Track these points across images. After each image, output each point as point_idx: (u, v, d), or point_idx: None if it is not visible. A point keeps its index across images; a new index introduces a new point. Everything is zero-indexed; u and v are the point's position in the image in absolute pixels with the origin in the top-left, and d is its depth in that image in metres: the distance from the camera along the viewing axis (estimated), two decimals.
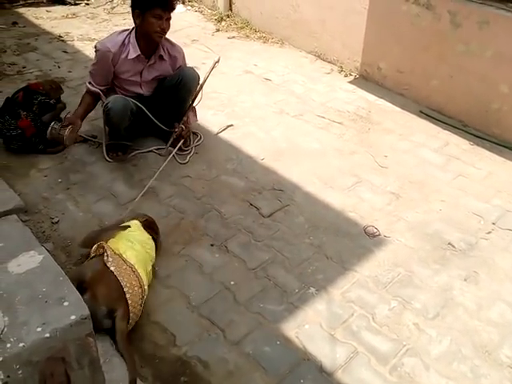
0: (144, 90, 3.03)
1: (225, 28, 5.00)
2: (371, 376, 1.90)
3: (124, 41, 2.83)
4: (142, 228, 2.27)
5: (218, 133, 3.33)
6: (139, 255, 2.07)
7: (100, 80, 2.92)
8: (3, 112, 2.85)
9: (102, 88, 2.93)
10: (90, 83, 2.94)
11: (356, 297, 2.22)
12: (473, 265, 2.43)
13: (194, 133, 3.25)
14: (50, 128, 2.81)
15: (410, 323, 2.12)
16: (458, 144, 3.39)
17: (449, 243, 2.55)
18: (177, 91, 2.96)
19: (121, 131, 2.90)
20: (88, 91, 2.95)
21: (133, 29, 2.87)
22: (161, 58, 2.96)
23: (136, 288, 1.94)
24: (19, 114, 2.81)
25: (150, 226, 2.33)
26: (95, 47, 2.89)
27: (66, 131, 2.78)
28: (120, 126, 2.85)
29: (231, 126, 3.41)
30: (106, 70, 2.87)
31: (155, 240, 2.30)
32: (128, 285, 1.91)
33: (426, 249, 2.51)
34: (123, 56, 2.83)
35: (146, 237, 2.23)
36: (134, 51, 2.84)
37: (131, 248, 2.08)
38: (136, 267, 2.00)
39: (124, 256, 2.01)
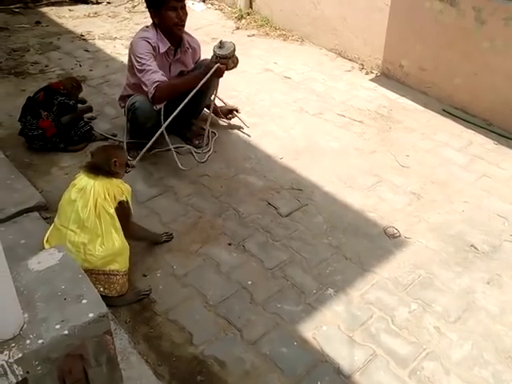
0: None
1: (245, 26, 4.99)
2: (390, 379, 1.87)
3: (155, 36, 2.85)
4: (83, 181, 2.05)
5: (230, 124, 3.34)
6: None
7: (156, 66, 2.78)
8: (25, 112, 2.90)
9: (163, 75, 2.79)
10: (156, 82, 2.73)
11: (375, 299, 2.19)
12: (496, 268, 2.37)
13: (212, 131, 3.25)
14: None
15: (430, 326, 2.08)
16: (481, 143, 3.31)
17: (471, 245, 2.49)
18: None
19: (145, 131, 2.92)
20: (159, 82, 2.74)
21: (153, 26, 2.88)
22: (185, 51, 3.00)
23: None
24: (40, 114, 2.85)
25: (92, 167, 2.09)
26: (131, 45, 2.86)
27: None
28: (145, 126, 2.87)
29: (241, 128, 3.38)
30: (153, 56, 2.80)
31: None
32: None
33: (447, 251, 2.46)
34: (157, 50, 2.85)
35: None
36: (163, 45, 2.86)
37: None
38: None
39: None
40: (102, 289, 1.98)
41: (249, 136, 3.29)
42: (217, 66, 2.74)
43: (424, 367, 1.92)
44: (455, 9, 3.45)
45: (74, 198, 1.99)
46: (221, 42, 2.81)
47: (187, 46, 3.01)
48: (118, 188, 2.07)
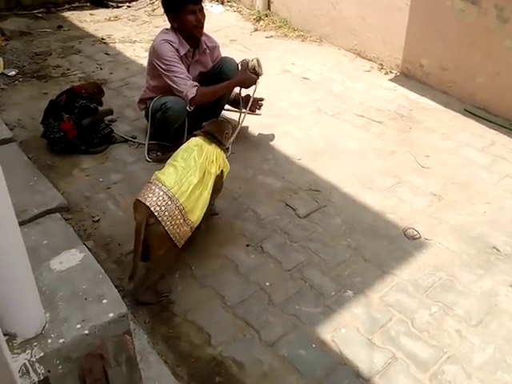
0: None
1: (263, 27, 5.00)
2: (410, 383, 1.85)
3: (176, 39, 2.89)
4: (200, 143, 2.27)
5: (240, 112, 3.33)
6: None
7: (184, 70, 2.86)
8: (47, 114, 2.95)
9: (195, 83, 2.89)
10: (185, 87, 2.81)
11: (395, 301, 2.16)
12: None
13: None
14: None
15: (451, 329, 2.05)
16: (504, 144, 3.24)
17: (493, 247, 2.45)
18: (216, 81, 2.98)
19: (170, 132, 2.96)
20: (195, 91, 2.83)
21: (172, 29, 2.91)
22: (203, 52, 3.04)
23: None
24: (62, 117, 2.90)
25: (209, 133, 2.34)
26: (153, 48, 2.89)
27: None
28: (174, 126, 2.91)
29: (259, 114, 3.43)
30: (178, 58, 2.85)
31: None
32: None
33: (469, 253, 2.42)
34: (178, 53, 2.89)
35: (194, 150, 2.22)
36: (182, 48, 2.90)
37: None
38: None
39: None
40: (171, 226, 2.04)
41: (259, 115, 3.40)
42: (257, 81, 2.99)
43: (445, 371, 1.89)
44: (477, 7, 3.39)
45: (192, 146, 2.24)
46: (257, 59, 3.00)
47: (205, 46, 3.04)
48: (223, 160, 2.34)
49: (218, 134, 2.34)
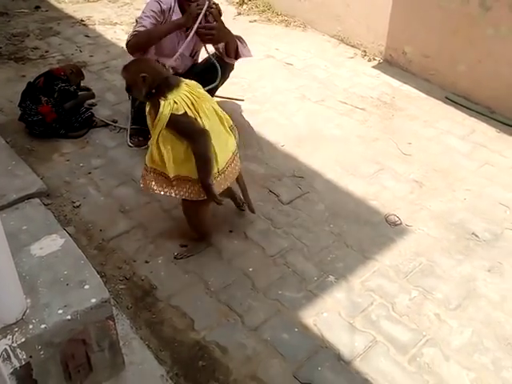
0: (178, 63, 2.99)
1: (246, 11, 4.94)
2: (390, 365, 1.89)
3: (171, 4, 2.82)
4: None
5: (222, 97, 3.34)
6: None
7: (149, 22, 2.76)
8: (25, 97, 2.88)
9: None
10: (135, 32, 2.71)
11: (376, 286, 2.20)
12: (497, 256, 2.37)
13: None
14: None
15: (430, 313, 2.09)
16: (484, 131, 3.29)
17: (473, 233, 2.49)
18: (209, 74, 2.94)
19: None
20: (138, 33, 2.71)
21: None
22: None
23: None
24: (40, 100, 2.84)
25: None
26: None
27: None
28: None
29: (242, 100, 3.43)
30: (156, 15, 2.78)
31: None
32: None
33: (449, 238, 2.46)
34: (169, 19, 2.82)
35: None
36: (176, 17, 2.84)
37: None
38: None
39: None
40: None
41: (242, 100, 3.38)
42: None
43: (424, 353, 1.93)
44: None
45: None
46: None
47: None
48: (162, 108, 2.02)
49: (133, 86, 2.08)
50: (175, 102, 1.98)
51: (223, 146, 2.11)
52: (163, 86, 2.01)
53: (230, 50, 2.90)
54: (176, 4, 2.85)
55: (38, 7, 4.75)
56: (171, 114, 1.97)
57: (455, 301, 2.15)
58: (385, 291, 2.17)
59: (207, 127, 2.02)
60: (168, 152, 2.04)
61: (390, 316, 2.07)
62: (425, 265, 2.31)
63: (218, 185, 2.10)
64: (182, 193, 2.11)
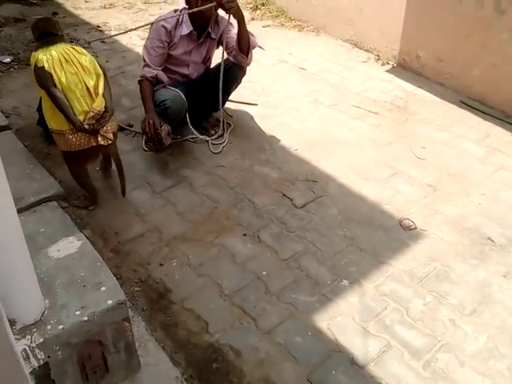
0: (191, 71, 3.04)
1: (260, 16, 4.97)
2: (404, 370, 1.88)
3: (179, 18, 2.86)
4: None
5: (236, 101, 3.38)
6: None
7: (158, 59, 2.88)
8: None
9: (159, 69, 2.89)
10: (146, 66, 2.87)
11: (390, 290, 2.19)
12: None
13: (227, 122, 3.26)
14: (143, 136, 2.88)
15: (445, 319, 2.08)
16: (499, 136, 3.27)
17: (488, 238, 2.47)
18: (222, 78, 2.97)
19: (172, 126, 2.94)
20: (145, 79, 2.87)
21: (184, 8, 2.90)
22: (208, 35, 2.99)
23: None
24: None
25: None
26: (151, 24, 2.91)
27: (163, 134, 2.72)
28: (172, 122, 2.87)
29: (256, 104, 3.45)
30: (163, 46, 2.86)
31: None
32: None
33: (463, 243, 2.45)
34: (178, 33, 2.87)
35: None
36: (186, 28, 2.87)
37: None
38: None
39: None
40: None
41: (256, 105, 3.43)
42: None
43: (438, 359, 1.92)
44: None
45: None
46: None
47: (212, 31, 2.98)
48: None
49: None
50: (44, 55, 2.26)
51: (83, 104, 2.29)
52: (42, 41, 2.35)
53: (243, 39, 2.87)
54: (185, 15, 2.86)
55: (55, 13, 4.83)
56: (34, 65, 2.27)
57: (470, 306, 2.14)
58: (399, 296, 2.17)
59: (62, 82, 2.26)
60: (44, 107, 2.36)
61: (404, 321, 2.06)
62: (439, 270, 2.30)
63: (79, 138, 2.31)
64: (59, 144, 2.38)
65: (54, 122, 2.32)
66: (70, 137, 2.29)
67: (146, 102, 2.87)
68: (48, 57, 2.25)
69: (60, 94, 2.25)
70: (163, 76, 2.90)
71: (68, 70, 2.27)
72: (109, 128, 2.37)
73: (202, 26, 2.92)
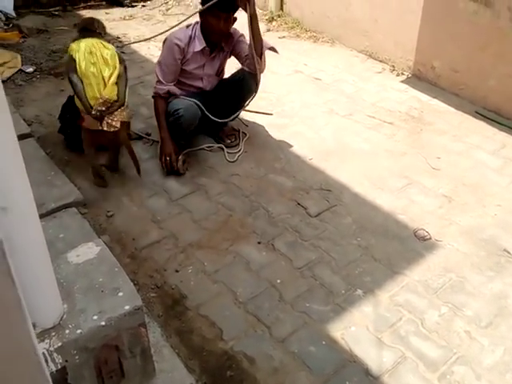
0: (204, 84, 3.09)
1: (275, 28, 5.02)
2: (419, 382, 1.87)
3: (191, 34, 2.90)
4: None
5: (251, 111, 3.42)
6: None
7: (171, 76, 2.93)
8: (65, 110, 3.00)
9: (171, 85, 2.95)
10: (159, 83, 2.94)
11: (404, 301, 2.18)
12: None
13: (243, 131, 3.30)
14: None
15: (460, 330, 2.06)
16: None
17: (504, 249, 2.45)
18: (237, 89, 3.01)
19: (183, 135, 2.99)
20: (158, 96, 2.95)
21: (197, 22, 2.93)
22: (221, 49, 3.03)
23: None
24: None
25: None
26: (164, 41, 2.97)
27: (179, 163, 2.87)
28: (186, 131, 2.94)
29: (271, 114, 3.49)
30: (175, 63, 2.91)
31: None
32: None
33: (479, 254, 2.43)
34: (191, 49, 2.90)
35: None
36: (199, 44, 2.90)
37: None
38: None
39: None
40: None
41: (271, 114, 3.48)
42: None
43: (454, 371, 1.91)
44: (490, 9, 3.40)
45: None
46: None
47: (225, 44, 3.02)
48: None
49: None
50: (75, 45, 2.58)
51: (95, 91, 2.53)
52: (80, 35, 2.69)
53: (257, 35, 2.90)
54: (197, 30, 2.89)
55: (76, 25, 4.94)
56: (69, 53, 2.60)
57: (486, 318, 2.12)
58: (413, 306, 2.16)
59: (82, 69, 2.52)
60: None
61: (419, 332, 2.05)
62: (454, 281, 2.29)
63: (89, 121, 2.54)
64: (79, 120, 2.63)
65: (76, 101, 2.60)
66: (84, 116, 2.56)
67: (159, 121, 2.96)
68: (76, 47, 2.56)
69: (76, 79, 2.53)
70: (176, 90, 2.96)
71: (88, 60, 2.53)
72: (117, 117, 2.55)
73: (214, 44, 2.96)
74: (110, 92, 2.53)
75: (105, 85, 2.52)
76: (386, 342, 2.01)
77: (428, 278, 2.29)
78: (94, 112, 2.49)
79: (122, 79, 2.61)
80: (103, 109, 2.49)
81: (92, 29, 2.73)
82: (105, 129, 2.53)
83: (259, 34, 2.93)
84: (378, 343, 2.00)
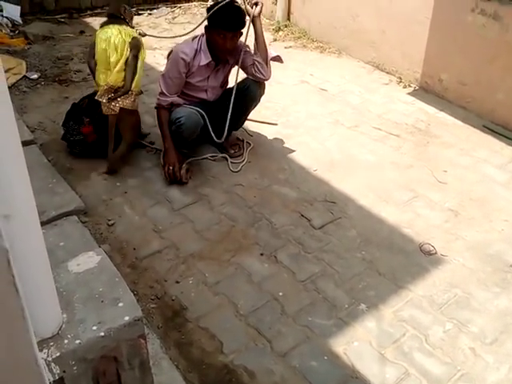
0: (209, 96, 3.08)
1: (282, 38, 5.03)
2: None
3: (197, 47, 2.89)
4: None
5: (256, 121, 3.43)
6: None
7: (175, 88, 2.93)
8: (69, 117, 3.00)
9: (174, 97, 2.95)
10: (162, 95, 2.93)
11: (409, 316, 2.15)
12: None
13: (247, 141, 3.28)
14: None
15: (465, 347, 2.02)
16: None
17: (511, 265, 2.42)
18: (241, 98, 3.00)
19: (186, 143, 2.98)
20: (161, 108, 2.95)
21: (203, 36, 2.92)
22: (226, 61, 3.02)
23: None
24: (83, 121, 2.94)
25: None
26: (169, 53, 2.97)
27: (182, 171, 2.87)
28: (188, 140, 2.93)
29: (276, 124, 3.49)
30: (180, 77, 2.90)
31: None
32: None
33: (485, 270, 2.39)
34: (196, 62, 2.89)
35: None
36: (205, 58, 2.89)
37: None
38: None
39: None
40: None
41: (276, 124, 3.50)
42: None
43: None
44: (498, 23, 3.39)
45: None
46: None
47: (228, 58, 3.00)
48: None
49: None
50: (98, 32, 2.82)
51: (102, 78, 2.79)
52: (106, 21, 2.88)
53: (259, 38, 2.93)
54: (203, 43, 2.88)
55: (82, 32, 4.98)
56: (92, 39, 2.84)
57: (491, 335, 2.08)
58: (418, 322, 2.12)
59: (97, 55, 2.78)
60: None
61: (422, 348, 2.01)
62: (460, 296, 2.25)
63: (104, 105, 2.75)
64: None
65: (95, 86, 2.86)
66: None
67: (163, 131, 2.96)
68: (98, 33, 2.80)
69: (93, 64, 2.82)
70: (179, 100, 2.96)
71: (101, 46, 2.74)
72: (118, 102, 2.72)
73: (222, 58, 2.95)
74: (115, 79, 2.72)
75: (111, 72, 2.72)
76: (389, 358, 1.97)
77: (433, 294, 2.26)
78: (96, 97, 2.73)
79: (129, 66, 2.73)
80: (105, 99, 2.71)
81: (118, 15, 2.85)
82: (104, 112, 2.73)
83: (262, 36, 2.96)
84: (380, 359, 1.96)
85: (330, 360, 1.96)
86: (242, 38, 2.93)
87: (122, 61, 2.71)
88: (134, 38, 2.79)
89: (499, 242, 2.56)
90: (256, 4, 2.89)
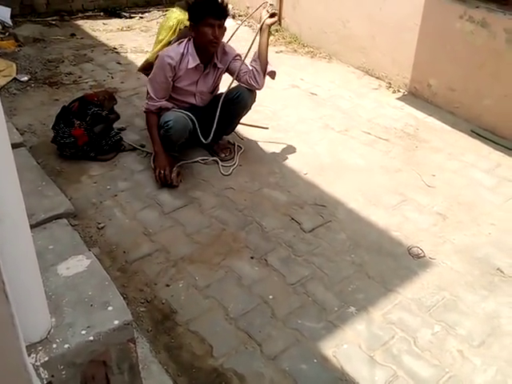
0: (197, 101, 3.09)
1: (273, 42, 5.05)
2: None
3: (183, 51, 2.90)
4: None
5: (247, 125, 3.45)
6: None
7: (162, 93, 2.95)
8: (59, 120, 2.98)
9: (162, 101, 2.97)
10: (150, 99, 2.95)
11: (397, 319, 2.16)
12: None
13: (238, 145, 3.29)
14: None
15: (453, 350, 2.04)
16: (510, 166, 3.26)
17: (498, 269, 2.45)
18: (232, 106, 3.01)
19: (175, 147, 2.98)
20: (150, 112, 2.98)
21: (189, 39, 2.93)
22: (215, 66, 3.02)
23: None
24: (73, 123, 2.93)
25: None
26: (156, 57, 2.97)
27: (173, 175, 2.88)
28: (176, 144, 2.94)
29: (267, 128, 3.51)
30: (166, 81, 2.91)
31: None
32: None
33: (473, 273, 2.42)
34: (183, 66, 2.90)
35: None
36: (193, 61, 2.90)
37: None
38: None
39: None
40: None
41: (267, 128, 3.52)
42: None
43: None
44: (486, 30, 3.44)
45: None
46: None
47: (218, 61, 3.01)
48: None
49: None
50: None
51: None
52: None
53: (263, 45, 3.01)
54: (189, 47, 2.89)
55: (73, 35, 4.96)
56: None
57: (479, 337, 2.10)
58: (406, 325, 2.14)
59: None
60: None
61: (411, 351, 2.03)
62: (448, 299, 2.27)
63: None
64: None
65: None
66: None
67: (152, 135, 2.98)
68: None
69: None
70: (168, 104, 2.98)
71: (162, 25, 3.21)
72: None
73: (207, 57, 2.95)
74: (151, 56, 3.12)
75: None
76: (379, 361, 1.98)
77: (421, 296, 2.28)
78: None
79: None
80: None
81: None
82: None
83: (267, 47, 3.03)
84: (370, 362, 1.98)
85: (319, 363, 1.97)
86: (246, 47, 3.01)
87: (163, 42, 3.10)
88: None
89: (487, 245, 2.60)
90: (273, 15, 2.97)
